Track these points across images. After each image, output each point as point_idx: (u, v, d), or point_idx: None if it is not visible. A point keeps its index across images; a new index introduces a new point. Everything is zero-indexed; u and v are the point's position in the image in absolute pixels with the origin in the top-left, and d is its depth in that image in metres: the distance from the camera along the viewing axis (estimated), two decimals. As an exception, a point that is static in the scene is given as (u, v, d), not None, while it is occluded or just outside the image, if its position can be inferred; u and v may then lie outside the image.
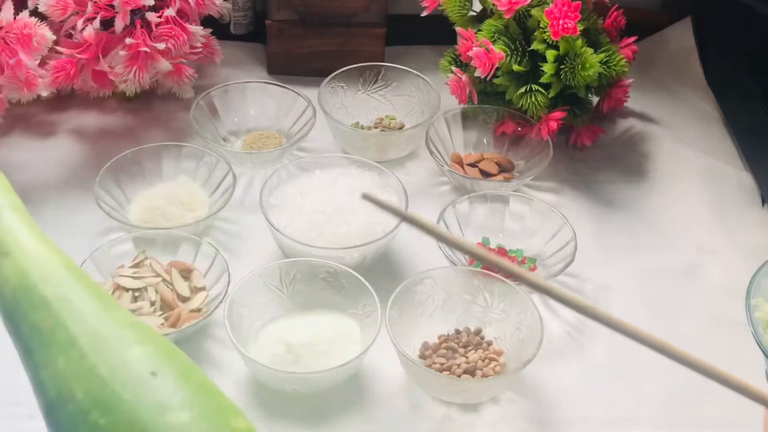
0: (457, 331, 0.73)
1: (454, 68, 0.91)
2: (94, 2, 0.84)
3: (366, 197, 0.39)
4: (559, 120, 0.86)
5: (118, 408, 0.46)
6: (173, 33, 0.86)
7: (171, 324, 0.70)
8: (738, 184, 0.91)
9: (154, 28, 0.85)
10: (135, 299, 0.72)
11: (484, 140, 0.92)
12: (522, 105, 0.86)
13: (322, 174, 0.82)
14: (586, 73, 0.83)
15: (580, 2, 0.83)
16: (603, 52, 0.86)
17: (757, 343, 0.66)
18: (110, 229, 0.81)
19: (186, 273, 0.75)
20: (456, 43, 0.91)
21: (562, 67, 0.84)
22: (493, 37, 0.86)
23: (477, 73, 0.86)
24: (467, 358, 0.70)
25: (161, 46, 0.85)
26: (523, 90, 0.86)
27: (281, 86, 0.93)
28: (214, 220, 0.83)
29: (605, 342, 0.75)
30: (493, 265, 0.40)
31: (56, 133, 0.93)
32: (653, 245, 0.85)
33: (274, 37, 0.99)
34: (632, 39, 0.91)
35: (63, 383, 0.48)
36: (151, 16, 0.85)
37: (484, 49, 0.85)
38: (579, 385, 0.72)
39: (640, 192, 0.90)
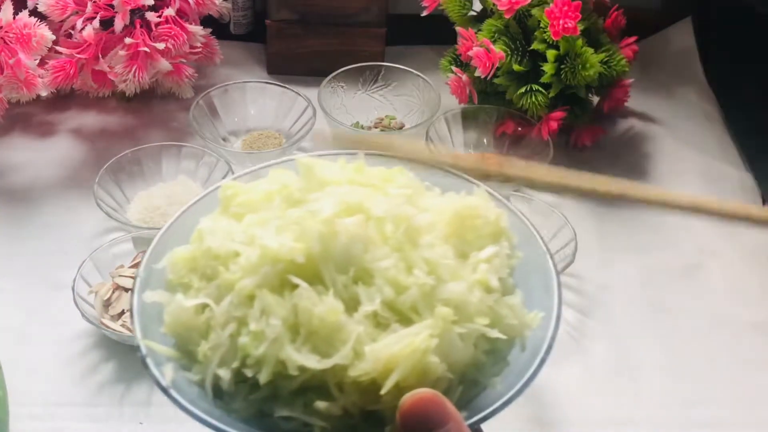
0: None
1: (454, 68, 0.91)
2: (94, 2, 0.84)
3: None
4: (560, 120, 0.86)
5: None
6: (173, 33, 0.85)
7: (171, 324, 0.70)
8: (738, 183, 0.91)
9: (153, 28, 0.85)
10: (135, 299, 0.71)
11: (484, 140, 0.92)
12: (522, 105, 0.86)
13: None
14: (587, 73, 0.83)
15: (580, 2, 0.83)
16: (603, 52, 0.86)
17: None
18: (110, 229, 0.81)
19: (186, 273, 0.74)
20: (456, 43, 0.91)
21: (562, 67, 0.84)
22: (493, 36, 0.86)
23: (477, 73, 0.85)
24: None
25: (161, 45, 0.85)
26: (523, 90, 0.85)
27: (281, 86, 0.93)
28: (214, 220, 0.82)
29: (605, 342, 0.75)
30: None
31: (56, 133, 0.93)
32: (654, 245, 0.85)
33: (274, 36, 0.99)
34: (633, 39, 0.91)
35: None
36: (151, 16, 0.85)
37: (484, 48, 0.85)
38: (579, 385, 0.72)
39: (640, 192, 0.90)
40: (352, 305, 0.39)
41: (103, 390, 0.69)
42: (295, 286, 0.38)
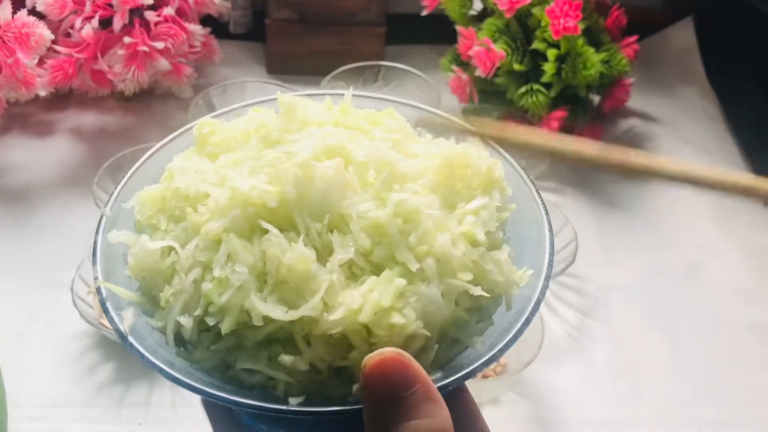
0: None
1: (454, 67, 0.91)
2: (93, 1, 0.83)
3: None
4: (560, 119, 0.86)
5: None
6: (172, 32, 0.85)
7: (170, 324, 0.70)
8: (739, 183, 0.91)
9: (152, 27, 0.85)
10: (133, 299, 0.71)
11: (485, 140, 0.91)
12: (523, 104, 0.86)
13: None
14: (587, 73, 0.83)
15: (581, 1, 0.83)
16: (604, 51, 0.86)
17: None
18: (109, 229, 0.80)
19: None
20: (456, 42, 0.90)
21: (563, 66, 0.84)
22: (493, 36, 0.86)
23: (477, 73, 0.85)
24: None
25: (160, 45, 0.84)
26: (523, 89, 0.85)
27: (281, 85, 0.93)
28: (213, 219, 0.82)
29: (605, 342, 0.75)
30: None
31: (54, 133, 0.92)
32: (655, 245, 0.84)
33: (274, 36, 0.99)
34: (633, 38, 0.91)
35: None
36: (150, 15, 0.84)
37: (484, 48, 0.84)
38: (579, 385, 0.72)
39: (641, 192, 0.90)
40: (325, 254, 0.36)
41: (101, 391, 0.68)
42: (266, 232, 0.36)
